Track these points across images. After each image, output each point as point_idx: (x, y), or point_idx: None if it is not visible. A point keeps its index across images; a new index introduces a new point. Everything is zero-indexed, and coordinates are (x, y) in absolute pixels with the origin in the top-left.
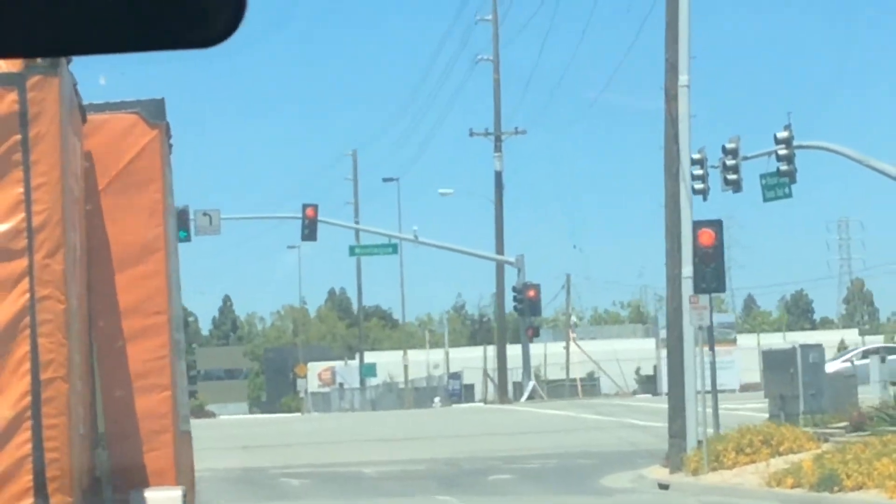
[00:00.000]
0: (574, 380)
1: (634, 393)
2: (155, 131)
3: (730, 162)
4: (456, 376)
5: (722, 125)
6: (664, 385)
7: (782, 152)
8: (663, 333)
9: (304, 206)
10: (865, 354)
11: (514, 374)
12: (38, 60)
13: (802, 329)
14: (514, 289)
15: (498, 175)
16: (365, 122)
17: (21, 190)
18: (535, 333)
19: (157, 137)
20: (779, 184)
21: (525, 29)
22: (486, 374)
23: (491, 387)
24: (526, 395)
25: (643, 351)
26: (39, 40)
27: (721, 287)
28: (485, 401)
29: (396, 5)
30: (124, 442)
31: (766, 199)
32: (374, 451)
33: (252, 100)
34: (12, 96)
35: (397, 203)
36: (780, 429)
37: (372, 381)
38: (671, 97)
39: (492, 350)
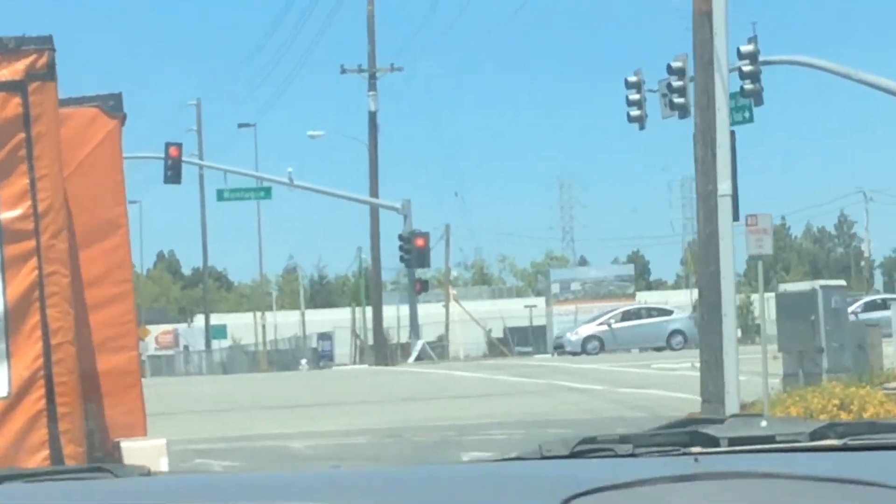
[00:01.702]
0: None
1: (485, 356)
2: (114, 121)
3: (676, 83)
4: (326, 337)
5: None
6: (548, 345)
7: (747, 69)
8: (555, 288)
9: (168, 145)
10: (625, 316)
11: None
12: (37, 67)
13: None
14: (400, 237)
15: (372, 115)
16: (222, 61)
17: (27, 181)
18: (423, 288)
19: (116, 127)
20: (739, 106)
21: None
22: (354, 333)
23: (359, 348)
24: (414, 355)
25: (513, 311)
26: None
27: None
28: (357, 362)
29: None
30: (99, 399)
31: None
32: (283, 422)
33: (119, 35)
34: (17, 100)
35: (255, 149)
36: (856, 390)
37: (218, 344)
38: None
39: (359, 311)
